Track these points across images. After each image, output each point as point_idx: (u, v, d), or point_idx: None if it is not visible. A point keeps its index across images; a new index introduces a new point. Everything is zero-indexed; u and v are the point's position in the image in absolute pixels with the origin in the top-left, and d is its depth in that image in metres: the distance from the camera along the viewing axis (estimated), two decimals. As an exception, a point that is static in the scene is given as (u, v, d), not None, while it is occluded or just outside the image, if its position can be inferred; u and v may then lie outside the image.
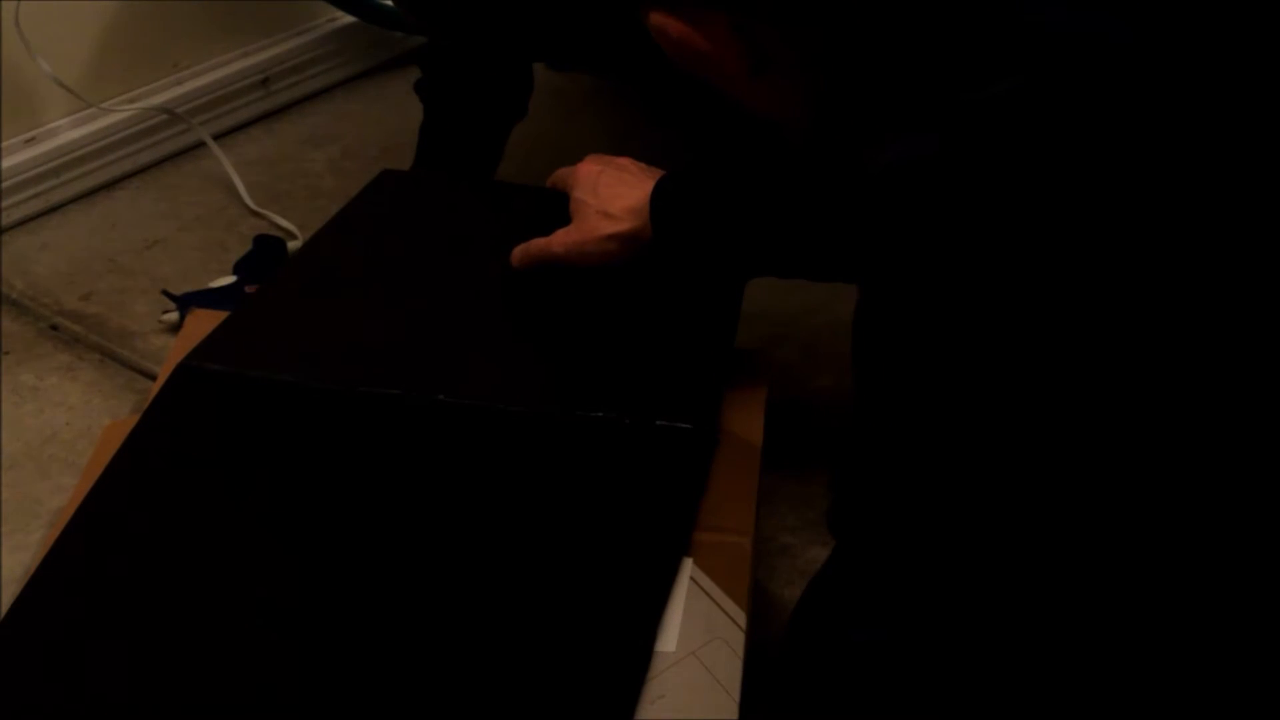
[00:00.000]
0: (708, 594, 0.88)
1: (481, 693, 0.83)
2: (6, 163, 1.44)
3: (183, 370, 1.03)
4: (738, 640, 0.86)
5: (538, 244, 1.04)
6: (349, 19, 1.71)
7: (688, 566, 0.90)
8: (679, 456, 0.96)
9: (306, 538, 0.93)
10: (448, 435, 0.98)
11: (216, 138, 1.56)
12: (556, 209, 1.24)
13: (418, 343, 1.07)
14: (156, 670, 0.84)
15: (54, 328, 1.31)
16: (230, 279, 1.33)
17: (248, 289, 1.31)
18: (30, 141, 1.47)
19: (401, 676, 0.83)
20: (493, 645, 0.85)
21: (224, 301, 1.30)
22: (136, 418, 1.06)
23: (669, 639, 0.86)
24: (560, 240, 1.02)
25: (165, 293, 1.31)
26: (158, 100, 1.55)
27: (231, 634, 0.86)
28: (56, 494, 1.10)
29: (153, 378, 1.20)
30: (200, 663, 0.85)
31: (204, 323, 1.18)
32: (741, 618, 0.87)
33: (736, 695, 0.82)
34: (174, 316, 1.28)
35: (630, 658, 0.84)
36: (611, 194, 0.99)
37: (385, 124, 1.64)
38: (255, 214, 1.48)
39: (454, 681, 0.83)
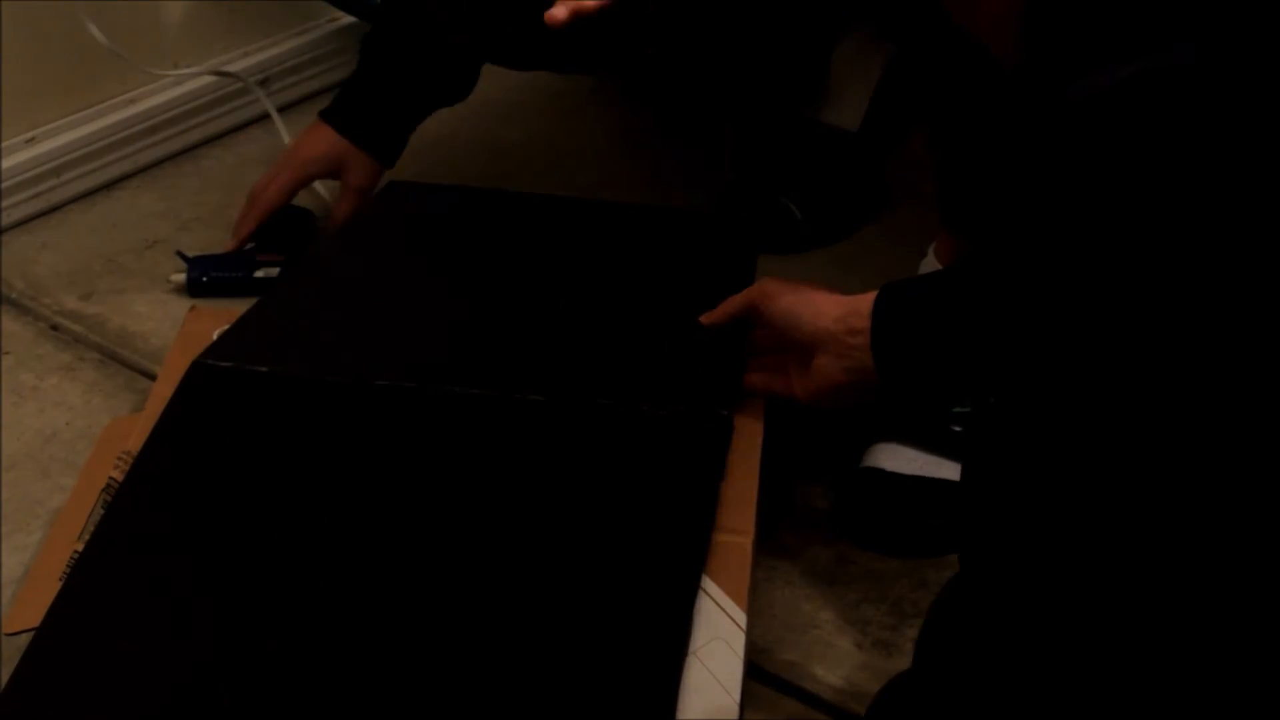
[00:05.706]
0: (708, 594, 0.88)
1: (512, 691, 0.82)
2: (6, 163, 1.44)
3: (198, 368, 1.03)
4: (738, 640, 0.86)
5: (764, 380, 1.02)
6: (349, 19, 1.71)
7: (688, 566, 0.90)
8: (698, 444, 0.96)
9: (332, 534, 0.93)
10: (467, 426, 0.97)
11: (216, 138, 1.56)
12: (562, 215, 1.25)
13: (431, 338, 1.07)
14: (192, 667, 0.84)
15: (54, 328, 1.31)
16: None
17: (260, 257, 1.33)
18: (30, 141, 1.47)
19: (425, 671, 0.83)
20: (524, 641, 0.85)
21: (236, 267, 1.33)
22: (136, 417, 1.06)
23: (669, 639, 0.86)
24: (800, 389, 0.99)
25: (179, 254, 1.34)
26: (158, 100, 1.55)
27: (257, 629, 0.86)
28: (56, 494, 1.09)
29: (153, 378, 1.20)
30: (229, 659, 0.85)
31: (204, 320, 1.18)
32: (741, 618, 0.87)
33: (737, 695, 0.82)
34: (181, 278, 1.32)
35: (667, 650, 0.84)
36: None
37: (385, 124, 1.64)
38: (255, 214, 1.48)
39: (480, 678, 0.83)
